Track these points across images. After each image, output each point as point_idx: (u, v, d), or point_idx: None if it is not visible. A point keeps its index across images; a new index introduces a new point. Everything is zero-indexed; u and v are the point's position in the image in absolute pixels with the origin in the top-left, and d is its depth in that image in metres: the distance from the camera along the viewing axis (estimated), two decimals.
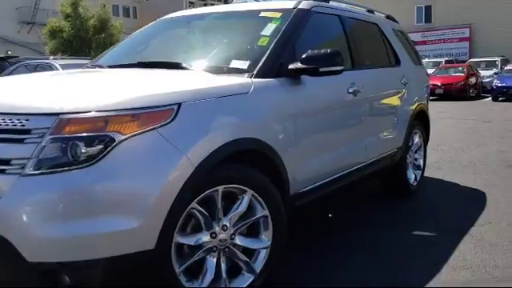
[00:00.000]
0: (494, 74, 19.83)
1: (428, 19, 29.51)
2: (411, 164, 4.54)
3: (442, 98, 17.77)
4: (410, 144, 4.46)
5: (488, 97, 18.09)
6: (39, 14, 34.86)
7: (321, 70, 2.70)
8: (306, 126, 2.81)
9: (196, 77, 2.54)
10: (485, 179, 5.17)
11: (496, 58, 22.43)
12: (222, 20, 3.39)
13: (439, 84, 18.00)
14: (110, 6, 33.55)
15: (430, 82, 18.09)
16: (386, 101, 3.93)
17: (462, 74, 18.62)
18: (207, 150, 2.08)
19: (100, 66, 3.25)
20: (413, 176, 4.54)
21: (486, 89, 19.18)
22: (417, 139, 4.61)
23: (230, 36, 3.15)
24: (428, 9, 29.36)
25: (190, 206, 2.11)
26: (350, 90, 3.26)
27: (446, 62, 23.36)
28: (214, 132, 2.15)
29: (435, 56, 27.61)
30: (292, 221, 2.68)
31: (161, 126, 1.97)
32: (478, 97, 18.93)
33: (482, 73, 20.51)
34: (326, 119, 3.04)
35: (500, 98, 16.83)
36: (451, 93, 17.77)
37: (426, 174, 5.15)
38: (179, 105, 2.06)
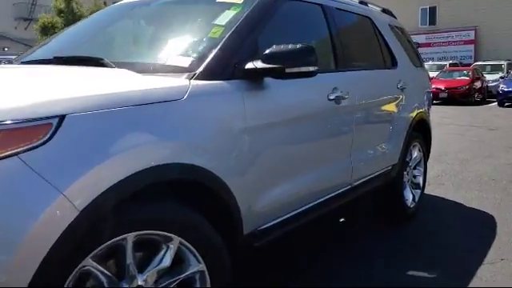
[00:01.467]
0: (500, 78, 19.14)
1: (432, 21, 28.72)
2: (409, 183, 3.88)
3: (446, 102, 17.07)
4: (408, 159, 3.80)
5: (493, 102, 17.35)
6: (37, 10, 34.25)
7: (287, 70, 2.05)
8: (269, 144, 2.16)
9: (111, 77, 1.88)
10: (494, 199, 4.51)
11: (502, 62, 21.69)
12: (171, 6, 2.73)
13: (443, 88, 17.31)
14: (103, 2, 32.89)
15: (434, 86, 17.60)
16: (378, 109, 3.27)
17: (467, 78, 17.92)
18: (103, 184, 1.43)
19: (28, 62, 2.60)
20: (410, 196, 3.88)
21: (492, 93, 18.46)
22: (416, 153, 3.95)
23: (175, 25, 2.49)
24: (432, 10, 28.57)
25: (81, 264, 1.46)
26: (331, 97, 2.61)
27: (451, 65, 22.66)
28: (117, 156, 1.50)
29: (439, 59, 26.88)
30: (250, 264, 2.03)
31: (26, 151, 1.33)
32: (483, 102, 18.20)
33: (488, 77, 19.81)
34: (297, 134, 2.38)
35: (506, 104, 16.11)
36: (455, 97, 17.08)
37: (426, 191, 4.49)
38: (61, 118, 1.41)
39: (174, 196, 1.72)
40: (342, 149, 2.82)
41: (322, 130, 2.59)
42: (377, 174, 3.26)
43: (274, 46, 2.07)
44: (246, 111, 2.02)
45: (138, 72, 1.93)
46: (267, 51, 2.06)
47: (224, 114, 1.94)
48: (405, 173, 3.75)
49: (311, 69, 2.10)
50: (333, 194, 2.72)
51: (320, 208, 2.60)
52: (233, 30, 2.16)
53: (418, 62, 4.33)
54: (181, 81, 1.87)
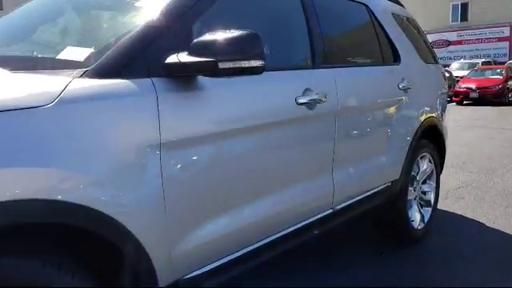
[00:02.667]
0: None
1: (464, 17, 27.42)
2: (416, 200, 3.27)
3: (477, 102, 16.05)
4: (415, 173, 3.19)
5: None
6: None
7: (221, 66, 1.51)
8: (199, 166, 1.62)
9: None
10: None
11: None
12: None
13: (474, 87, 16.28)
14: None
15: (464, 85, 16.65)
16: (371, 115, 2.68)
17: (500, 77, 16.81)
18: None
19: None
20: (418, 217, 3.26)
21: None
22: (425, 165, 3.33)
23: (84, 11, 1.98)
24: (464, 6, 27.29)
25: None
26: (301, 101, 2.05)
27: (483, 63, 21.50)
28: None
29: (472, 57, 25.67)
30: None
31: None
32: None
33: None
34: (247, 150, 1.83)
35: None
36: (487, 97, 16.02)
37: (442, 206, 3.89)
38: None
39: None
40: (318, 165, 2.25)
41: (286, 142, 2.03)
42: (371, 192, 2.68)
43: (206, 34, 1.54)
44: (162, 121, 1.48)
45: (13, 69, 1.43)
46: (195, 40, 1.53)
47: (120, 124, 1.40)
48: (410, 189, 3.14)
49: (255, 64, 1.55)
50: (305, 222, 2.16)
51: (286, 241, 2.05)
52: (155, 13, 1.64)
53: (431, 58, 3.70)
54: (57, 80, 1.35)
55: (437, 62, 3.85)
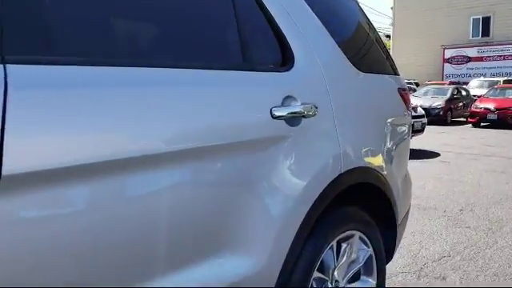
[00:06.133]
0: None
1: (486, 32, 25.52)
2: None
3: (496, 125, 14.31)
4: (328, 268, 1.73)
5: None
6: None
7: None
8: None
9: None
10: None
11: None
12: None
13: (492, 108, 14.55)
14: None
15: (482, 105, 14.88)
16: (176, 169, 1.23)
17: None
18: None
19: None
20: None
21: None
22: (351, 252, 1.86)
23: None
24: (486, 20, 25.40)
25: None
26: None
27: (505, 81, 19.68)
28: None
29: (493, 75, 23.81)
30: None
31: None
32: None
33: None
34: None
35: None
36: (507, 120, 14.27)
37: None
38: None
39: None
40: None
41: None
42: None
43: None
44: None
45: None
46: None
47: None
48: None
49: None
50: None
51: None
52: None
53: (383, 65, 2.25)
54: None
55: (396, 74, 2.39)
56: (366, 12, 2.34)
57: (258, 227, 1.40)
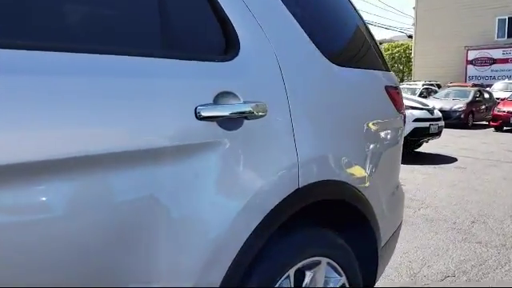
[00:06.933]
0: None
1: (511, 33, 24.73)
2: None
3: None
4: None
5: None
6: None
7: None
8: None
9: None
10: None
11: None
12: None
13: None
14: None
15: (505, 108, 14.21)
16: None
17: None
18: None
19: None
20: None
21: None
22: (318, 284, 1.53)
23: None
24: None
25: None
26: None
27: None
28: None
29: None
30: None
31: None
32: None
33: None
34: None
35: None
36: None
37: None
38: None
39: None
40: None
41: None
42: None
43: None
44: None
45: None
46: None
47: None
48: None
49: None
50: None
51: None
52: None
53: (365, 58, 1.91)
54: None
55: (387, 69, 2.05)
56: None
57: (169, 260, 1.08)
